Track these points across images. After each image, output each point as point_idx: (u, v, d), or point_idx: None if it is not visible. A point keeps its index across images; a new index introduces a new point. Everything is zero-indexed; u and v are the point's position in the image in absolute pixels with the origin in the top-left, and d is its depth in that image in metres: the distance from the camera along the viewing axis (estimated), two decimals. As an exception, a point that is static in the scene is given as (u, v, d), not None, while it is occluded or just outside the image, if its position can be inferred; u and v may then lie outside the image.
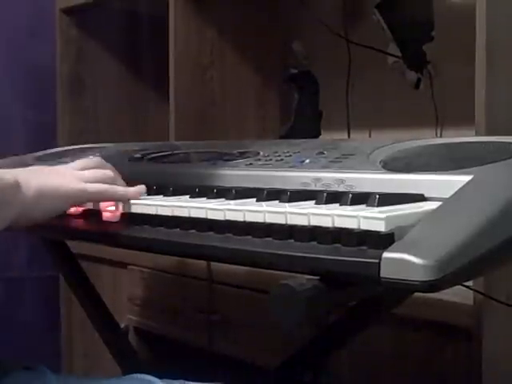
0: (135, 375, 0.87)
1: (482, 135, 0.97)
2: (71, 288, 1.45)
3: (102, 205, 0.85)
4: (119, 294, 1.67)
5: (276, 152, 0.92)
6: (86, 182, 0.82)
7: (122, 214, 0.83)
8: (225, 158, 0.95)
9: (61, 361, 1.96)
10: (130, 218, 0.81)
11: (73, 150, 1.32)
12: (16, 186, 0.74)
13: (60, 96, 1.97)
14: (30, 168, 0.84)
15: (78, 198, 0.81)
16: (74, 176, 0.82)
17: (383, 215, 0.59)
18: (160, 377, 0.86)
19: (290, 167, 0.85)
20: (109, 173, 0.86)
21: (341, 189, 0.76)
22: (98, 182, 0.83)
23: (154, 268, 1.57)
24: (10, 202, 0.72)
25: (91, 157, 0.96)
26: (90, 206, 0.86)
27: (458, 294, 0.98)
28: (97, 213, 0.86)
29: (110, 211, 0.84)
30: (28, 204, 0.75)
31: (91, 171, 0.85)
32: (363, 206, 0.66)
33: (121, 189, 0.84)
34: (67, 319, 1.93)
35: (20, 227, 0.78)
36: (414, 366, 1.09)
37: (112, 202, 0.84)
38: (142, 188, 0.85)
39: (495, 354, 1.00)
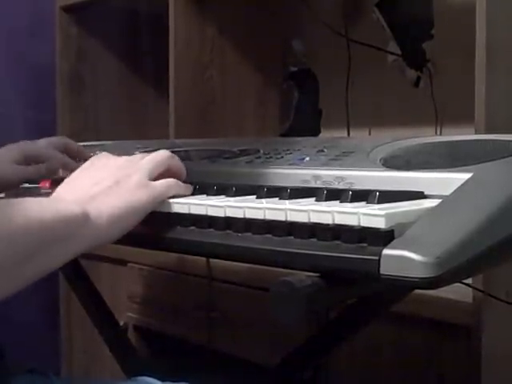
0: (138, 378, 0.87)
1: (481, 133, 0.97)
2: (71, 286, 1.45)
3: None
4: (119, 291, 1.67)
5: (276, 150, 0.92)
6: (151, 179, 0.78)
7: None
8: (225, 156, 0.95)
9: (60, 358, 1.97)
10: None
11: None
12: (84, 218, 0.70)
13: (60, 94, 1.97)
14: (95, 179, 0.78)
15: (150, 208, 0.77)
16: (140, 179, 0.77)
17: (383, 212, 0.59)
18: (163, 379, 0.86)
19: (290, 165, 0.85)
20: (166, 153, 0.82)
21: (341, 186, 0.76)
22: (163, 176, 0.80)
23: (153, 266, 1.57)
24: (75, 235, 0.69)
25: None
26: None
27: (458, 292, 0.98)
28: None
29: None
30: (98, 233, 0.72)
31: (155, 168, 0.80)
32: (363, 203, 0.66)
33: (182, 186, 0.81)
34: (67, 317, 1.93)
35: (89, 252, 0.75)
36: (413, 363, 1.09)
37: None
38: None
39: (494, 352, 1.01)
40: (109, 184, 0.76)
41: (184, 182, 0.84)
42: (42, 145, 1.04)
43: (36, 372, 0.86)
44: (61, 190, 0.77)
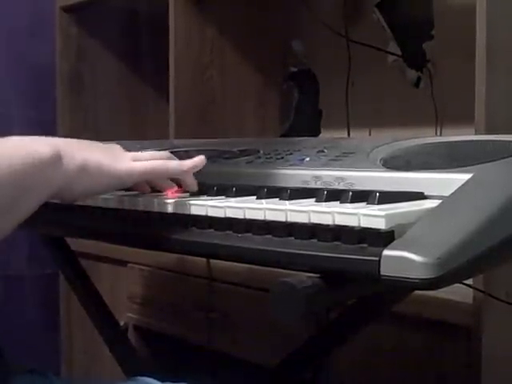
0: (137, 378, 0.87)
1: (481, 133, 0.97)
2: (71, 286, 1.45)
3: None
4: (119, 291, 1.67)
5: (276, 150, 0.92)
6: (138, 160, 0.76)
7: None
8: (225, 156, 0.95)
9: (60, 359, 1.97)
10: (130, 216, 0.81)
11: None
12: (56, 159, 0.67)
13: (60, 94, 1.97)
14: (79, 140, 0.77)
15: (126, 178, 0.75)
16: (124, 155, 0.76)
17: (383, 213, 0.59)
18: (162, 380, 0.85)
19: (291, 165, 0.85)
20: (166, 153, 0.80)
21: (341, 187, 0.76)
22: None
23: (153, 266, 1.57)
24: (47, 176, 0.67)
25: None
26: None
27: (458, 292, 0.98)
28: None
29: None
30: (69, 178, 0.69)
31: (146, 152, 0.79)
32: (363, 204, 0.66)
33: (173, 163, 0.78)
34: (67, 317, 1.93)
35: (60, 201, 0.73)
36: (413, 364, 1.09)
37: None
38: (199, 159, 0.79)
39: (495, 352, 1.01)
40: (92, 146, 0.76)
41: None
42: None
43: (36, 372, 0.86)
44: None
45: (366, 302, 0.96)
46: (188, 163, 0.79)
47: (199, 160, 0.80)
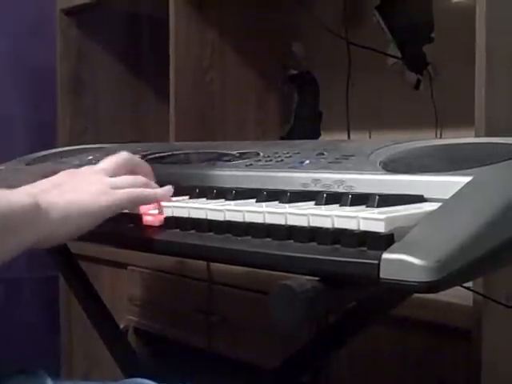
0: (135, 380, 0.86)
1: (481, 136, 0.97)
2: (71, 289, 1.45)
3: (142, 208, 0.81)
4: (119, 294, 1.67)
5: (276, 153, 0.92)
6: (116, 188, 0.78)
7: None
8: (225, 159, 0.95)
9: (60, 361, 1.96)
10: (130, 219, 0.81)
11: (73, 150, 1.32)
12: (35, 208, 0.68)
13: (60, 96, 1.98)
14: (54, 181, 0.78)
15: (108, 213, 0.76)
16: (102, 186, 0.77)
17: (383, 216, 0.59)
18: (161, 381, 0.85)
19: (290, 168, 0.85)
20: (140, 178, 0.83)
21: (341, 189, 0.76)
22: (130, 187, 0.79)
23: (153, 269, 1.57)
24: (26, 226, 0.68)
25: (120, 152, 0.86)
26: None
27: (458, 296, 0.98)
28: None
29: (152, 215, 0.80)
30: (52, 226, 0.70)
31: (122, 178, 0.81)
32: (363, 207, 0.66)
33: (149, 191, 0.81)
34: (67, 320, 1.93)
35: (45, 247, 0.73)
36: (413, 367, 1.09)
37: (153, 206, 0.81)
38: (169, 188, 0.82)
39: (494, 356, 1.01)
40: (67, 186, 0.77)
41: (183, 185, 0.83)
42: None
43: (26, 372, 0.86)
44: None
45: (365, 305, 0.96)
46: (161, 193, 0.81)
47: (169, 190, 0.82)
